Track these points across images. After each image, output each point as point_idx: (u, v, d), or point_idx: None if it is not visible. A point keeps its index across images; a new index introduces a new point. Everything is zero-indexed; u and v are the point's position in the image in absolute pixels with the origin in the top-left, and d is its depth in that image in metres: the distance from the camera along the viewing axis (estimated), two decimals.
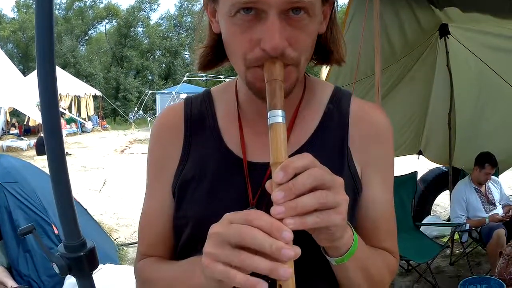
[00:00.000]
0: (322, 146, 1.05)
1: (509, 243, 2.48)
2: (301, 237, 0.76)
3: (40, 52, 0.77)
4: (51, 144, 0.82)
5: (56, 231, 4.25)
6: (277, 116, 0.81)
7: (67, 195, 0.86)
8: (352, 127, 1.07)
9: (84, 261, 0.90)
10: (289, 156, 0.79)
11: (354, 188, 1.04)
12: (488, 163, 5.31)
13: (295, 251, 0.71)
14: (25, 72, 26.35)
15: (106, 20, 43.53)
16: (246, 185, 1.02)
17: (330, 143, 1.06)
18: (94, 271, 0.94)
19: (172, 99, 25.58)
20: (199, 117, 1.12)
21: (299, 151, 1.02)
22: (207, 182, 1.04)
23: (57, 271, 0.90)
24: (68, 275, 0.90)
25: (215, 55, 1.06)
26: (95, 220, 6.01)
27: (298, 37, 0.89)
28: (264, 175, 1.01)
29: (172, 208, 1.09)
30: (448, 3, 4.51)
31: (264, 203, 0.97)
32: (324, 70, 4.71)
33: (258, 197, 1.00)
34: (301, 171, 0.75)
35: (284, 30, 0.86)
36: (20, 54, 38.05)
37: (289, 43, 0.87)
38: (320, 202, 0.74)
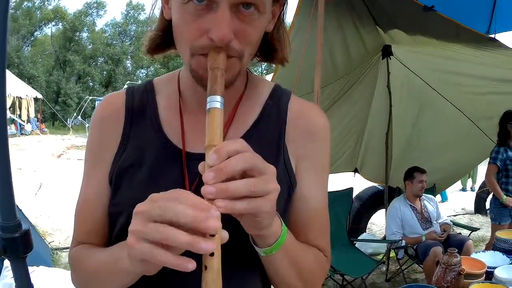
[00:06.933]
0: (258, 139, 1.06)
1: (446, 252, 2.55)
2: (230, 228, 0.75)
3: None
4: None
5: None
6: (216, 102, 0.82)
7: (6, 174, 0.84)
8: (290, 124, 1.10)
9: (19, 243, 0.88)
10: None
11: (288, 182, 1.06)
12: (416, 171, 5.37)
13: (220, 225, 0.70)
14: None
15: (53, 23, 42.42)
16: (183, 174, 1.02)
17: (267, 137, 1.08)
18: (27, 254, 0.91)
19: None
20: (140, 106, 1.12)
21: None
22: (144, 170, 1.04)
23: None
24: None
25: (164, 40, 1.07)
26: (30, 222, 5.81)
27: (245, 31, 0.91)
28: None
29: (109, 196, 1.07)
30: (393, 26, 4.62)
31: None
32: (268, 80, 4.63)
33: (195, 187, 1.00)
34: (234, 154, 0.75)
35: (232, 23, 0.88)
36: None
37: (235, 35, 0.90)
38: (250, 189, 0.74)
